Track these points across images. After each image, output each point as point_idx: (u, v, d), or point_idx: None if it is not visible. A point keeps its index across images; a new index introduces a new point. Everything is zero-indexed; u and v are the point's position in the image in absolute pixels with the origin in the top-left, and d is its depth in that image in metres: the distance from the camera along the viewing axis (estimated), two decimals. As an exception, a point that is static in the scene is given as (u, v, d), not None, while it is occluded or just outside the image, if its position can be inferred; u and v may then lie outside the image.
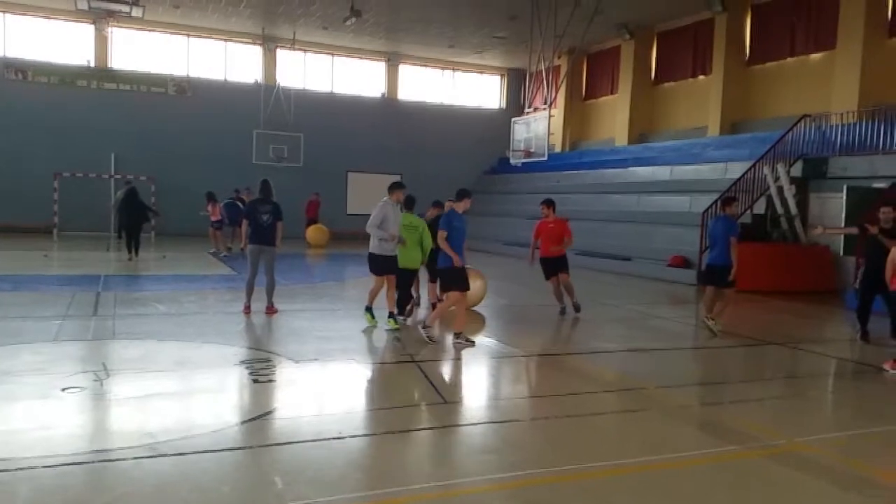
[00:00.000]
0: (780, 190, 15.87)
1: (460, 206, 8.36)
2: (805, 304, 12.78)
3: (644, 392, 6.36)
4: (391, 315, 8.94)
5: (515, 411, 5.77)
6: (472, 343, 8.10)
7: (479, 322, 10.03)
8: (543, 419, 5.42)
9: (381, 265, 8.91)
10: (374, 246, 8.86)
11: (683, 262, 15.74)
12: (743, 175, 16.10)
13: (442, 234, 8.06)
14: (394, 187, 8.98)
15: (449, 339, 8.25)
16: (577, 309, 10.56)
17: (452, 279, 8.19)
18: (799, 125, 16.40)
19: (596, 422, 5.48)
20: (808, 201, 16.17)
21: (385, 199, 8.89)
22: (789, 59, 19.35)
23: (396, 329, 8.78)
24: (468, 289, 8.32)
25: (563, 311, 10.60)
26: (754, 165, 16.17)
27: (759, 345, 8.96)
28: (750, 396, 6.39)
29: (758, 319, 11.07)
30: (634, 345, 8.63)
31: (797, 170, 16.05)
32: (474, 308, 10.76)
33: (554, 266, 10.57)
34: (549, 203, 10.72)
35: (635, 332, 9.71)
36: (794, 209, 15.77)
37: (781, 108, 19.09)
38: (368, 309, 9.12)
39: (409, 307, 9.56)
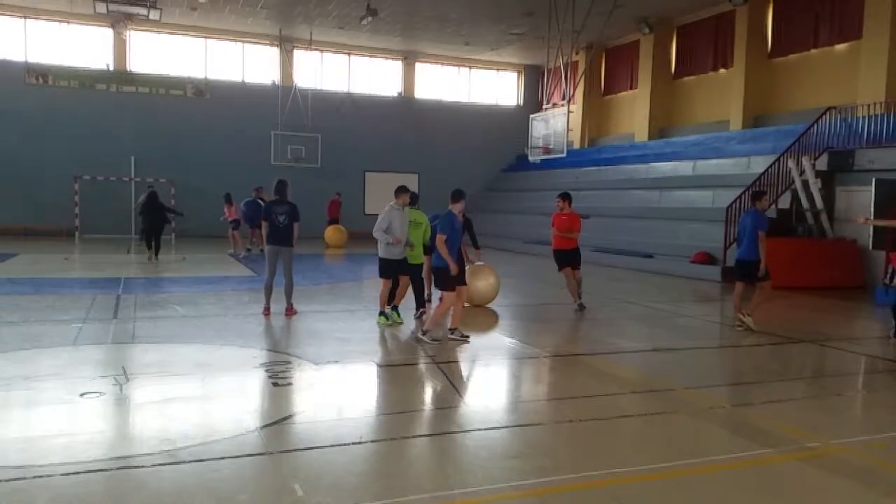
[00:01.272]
0: (806, 184, 15.56)
1: (457, 208, 8.35)
2: (833, 300, 12.50)
3: (671, 393, 6.19)
4: (395, 308, 9.15)
5: (539, 414, 5.64)
6: (468, 338, 8.11)
7: (495, 320, 9.93)
8: (568, 422, 5.27)
9: (389, 269, 9.05)
10: (381, 250, 9.00)
11: (707, 259, 15.49)
12: (767, 169, 15.81)
13: (441, 237, 7.99)
14: (399, 191, 9.06)
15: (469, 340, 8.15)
16: (578, 297, 10.71)
17: (447, 278, 8.09)
18: (824, 117, 16.06)
19: (622, 425, 5.33)
20: (835, 195, 15.84)
21: (391, 203, 8.99)
22: (813, 51, 18.98)
23: (399, 323, 9.00)
24: (464, 283, 8.34)
25: (581, 307, 10.60)
26: (779, 159, 15.87)
27: (787, 342, 8.74)
28: (782, 396, 6.20)
29: (785, 316, 10.83)
30: (659, 344, 8.44)
31: (822, 163, 15.73)
32: (489, 306, 10.72)
33: (566, 258, 10.67)
34: (566, 196, 10.85)
35: (660, 330, 9.52)
36: (820, 203, 15.45)
37: (805, 101, 18.75)
38: (382, 313, 9.14)
39: (419, 312, 9.55)
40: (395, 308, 9.21)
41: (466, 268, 10.31)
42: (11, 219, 22.36)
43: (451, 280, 8.08)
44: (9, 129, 22.62)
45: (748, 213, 9.38)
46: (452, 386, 6.48)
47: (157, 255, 16.44)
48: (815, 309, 11.71)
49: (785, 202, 15.78)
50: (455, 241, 8.13)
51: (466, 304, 10.31)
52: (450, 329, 8.24)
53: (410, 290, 9.58)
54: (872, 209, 13.93)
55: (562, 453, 4.69)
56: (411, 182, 21.93)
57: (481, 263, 10.89)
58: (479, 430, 5.09)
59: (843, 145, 15.66)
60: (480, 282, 10.62)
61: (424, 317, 9.28)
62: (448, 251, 7.99)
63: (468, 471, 4.34)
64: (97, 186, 23.17)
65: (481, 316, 10.27)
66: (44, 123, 22.97)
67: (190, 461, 4.31)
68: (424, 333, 8.04)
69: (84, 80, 23.75)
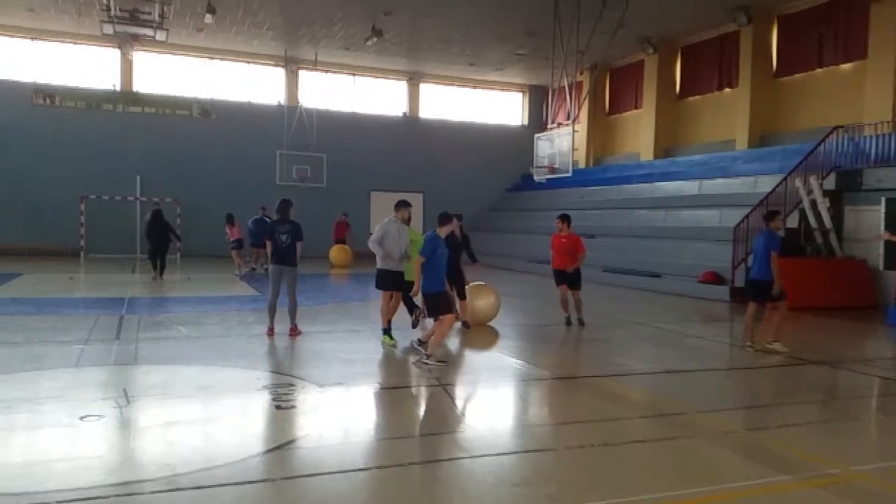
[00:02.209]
0: (814, 203, 15.45)
1: (444, 231, 8.35)
2: (843, 321, 12.32)
3: (683, 417, 6.05)
4: (385, 330, 9.04)
5: (548, 439, 5.50)
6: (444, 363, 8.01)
7: (500, 340, 9.83)
8: (578, 448, 5.13)
9: (386, 280, 9.03)
10: (378, 261, 9.04)
11: (715, 278, 15.34)
12: (774, 189, 15.71)
13: (420, 259, 7.93)
14: (399, 205, 9.09)
15: (469, 359, 8.01)
16: (581, 323, 10.81)
17: (439, 304, 8.02)
18: (831, 137, 15.99)
19: (634, 450, 5.19)
20: (843, 214, 15.72)
21: (390, 216, 9.03)
22: (818, 70, 18.96)
23: (393, 345, 8.84)
24: (452, 310, 8.32)
25: (568, 322, 10.82)
26: (785, 179, 15.77)
27: (799, 364, 8.58)
28: (797, 420, 6.05)
29: (795, 337, 10.58)
30: (669, 366, 8.30)
31: (830, 182, 15.63)
32: (491, 325, 10.73)
33: (565, 277, 10.90)
34: (565, 218, 11.08)
35: (669, 351, 9.37)
36: (828, 223, 15.32)
37: (812, 120, 18.69)
38: (385, 331, 9.05)
39: (414, 317, 9.46)
40: (385, 331, 9.09)
41: (466, 288, 10.38)
42: (17, 238, 22.35)
43: (443, 304, 8.01)
44: (16, 150, 22.68)
45: (761, 234, 9.29)
46: (458, 409, 6.36)
47: (161, 274, 16.46)
48: (825, 330, 11.54)
49: (793, 222, 15.64)
50: (437, 265, 7.99)
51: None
52: (419, 341, 8.30)
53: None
54: (882, 228, 13.79)
55: (571, 480, 4.55)
56: (416, 201, 21.87)
57: (481, 283, 10.95)
58: (487, 455, 4.95)
59: (850, 164, 15.57)
60: (480, 301, 10.67)
61: (421, 326, 9.18)
62: (426, 274, 7.90)
63: (475, 498, 4.20)
64: (103, 206, 23.22)
65: (485, 335, 10.16)
66: (50, 144, 23.03)
67: (189, 488, 4.19)
68: (429, 357, 7.89)
69: (91, 101, 23.87)
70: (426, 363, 7.78)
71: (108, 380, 7.05)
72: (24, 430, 5.41)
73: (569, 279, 10.87)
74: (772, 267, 8.78)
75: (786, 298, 9.08)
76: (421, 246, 9.08)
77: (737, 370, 8.60)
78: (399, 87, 28.60)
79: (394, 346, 8.86)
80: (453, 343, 9.53)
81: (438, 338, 8.06)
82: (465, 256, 11.08)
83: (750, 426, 5.94)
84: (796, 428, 5.81)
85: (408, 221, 9.18)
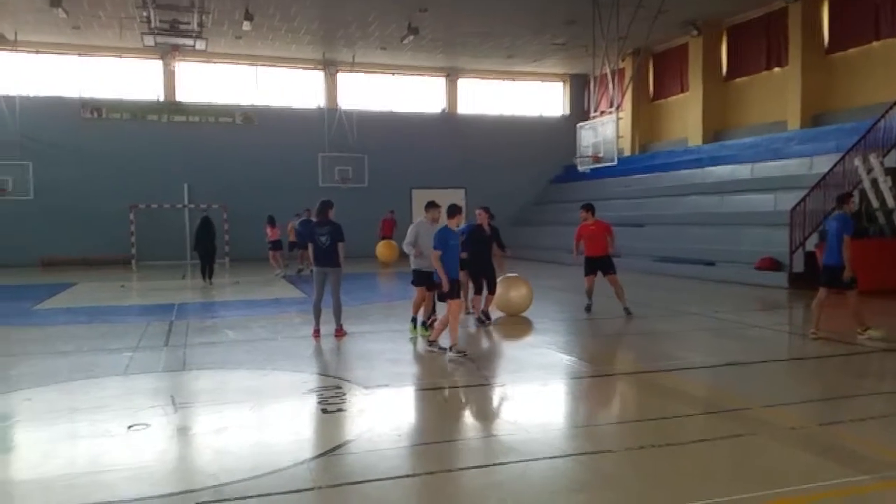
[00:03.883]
0: (874, 182, 14.70)
1: (454, 223, 8.45)
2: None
3: (748, 413, 5.70)
4: (413, 319, 9.50)
5: (605, 440, 5.23)
6: (444, 350, 8.13)
7: (548, 335, 9.54)
8: (638, 449, 4.85)
9: (420, 279, 9.18)
10: (412, 262, 9.26)
11: (773, 265, 14.74)
12: (831, 169, 15.00)
13: (436, 253, 8.09)
14: (428, 206, 9.17)
15: (517, 355, 7.77)
16: (627, 313, 10.77)
17: (449, 291, 8.20)
18: (891, 112, 15.18)
19: (698, 450, 4.89)
20: (907, 192, 14.92)
21: (420, 218, 9.25)
22: (875, 44, 18.09)
23: (414, 337, 9.24)
24: (459, 296, 8.43)
25: (588, 308, 11.13)
26: (843, 158, 15.05)
27: (868, 352, 8.10)
28: (872, 413, 5.65)
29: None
30: (730, 357, 7.91)
31: (892, 159, 14.84)
32: (531, 318, 10.76)
33: (596, 265, 11.09)
34: (588, 207, 11.31)
35: (728, 343, 8.97)
36: (891, 202, 14.56)
37: (869, 96, 17.83)
38: (413, 320, 9.44)
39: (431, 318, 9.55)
40: (413, 319, 9.50)
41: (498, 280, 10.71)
42: (72, 250, 22.96)
43: (451, 292, 8.15)
44: (67, 163, 23.28)
45: (834, 217, 8.87)
46: (509, 410, 6.13)
47: (210, 279, 16.75)
48: (894, 314, 10.92)
49: (853, 202, 14.93)
50: (450, 255, 8.17)
51: (502, 313, 10.76)
52: (428, 341, 8.41)
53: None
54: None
55: (633, 485, 4.28)
56: (458, 197, 21.76)
57: (514, 275, 11.14)
58: (541, 458, 4.71)
59: (913, 140, 14.76)
60: (512, 292, 10.86)
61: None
62: (443, 266, 8.06)
63: (531, 505, 3.98)
64: (152, 215, 23.66)
65: (532, 330, 9.98)
66: (99, 156, 23.59)
67: (235, 498, 4.08)
68: (451, 349, 7.98)
69: (136, 112, 24.35)
70: (450, 355, 7.92)
71: (156, 387, 7.03)
72: (72, 440, 5.39)
73: (602, 265, 11.01)
74: (843, 251, 8.35)
75: (856, 285, 8.60)
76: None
77: (803, 360, 8.15)
78: (437, 84, 28.44)
79: (415, 337, 9.16)
80: (499, 338, 9.37)
81: (453, 329, 8.12)
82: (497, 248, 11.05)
83: (821, 421, 5.55)
84: (873, 422, 5.42)
85: (436, 221, 9.13)
